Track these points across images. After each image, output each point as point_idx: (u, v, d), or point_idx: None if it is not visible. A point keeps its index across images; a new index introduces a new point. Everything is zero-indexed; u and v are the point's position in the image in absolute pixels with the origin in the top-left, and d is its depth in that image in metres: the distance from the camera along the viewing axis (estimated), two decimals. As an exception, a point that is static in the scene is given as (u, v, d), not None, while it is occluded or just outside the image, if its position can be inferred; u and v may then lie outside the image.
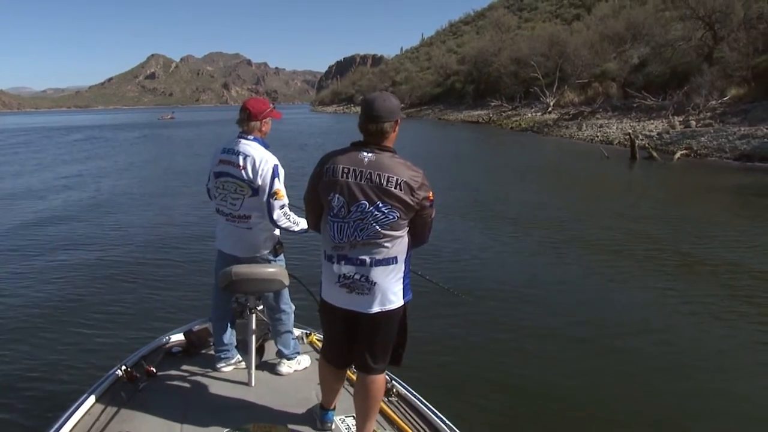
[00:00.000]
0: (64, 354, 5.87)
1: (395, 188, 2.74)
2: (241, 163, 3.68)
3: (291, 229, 3.77)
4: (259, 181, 3.65)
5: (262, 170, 3.65)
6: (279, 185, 3.67)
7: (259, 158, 3.67)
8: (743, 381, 5.38)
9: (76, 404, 3.32)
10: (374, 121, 2.81)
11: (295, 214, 3.77)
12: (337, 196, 2.80)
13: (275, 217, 3.68)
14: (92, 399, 3.40)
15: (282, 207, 3.69)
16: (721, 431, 4.69)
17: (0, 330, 6.55)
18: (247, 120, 3.77)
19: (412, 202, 2.77)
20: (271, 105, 3.91)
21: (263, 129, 3.82)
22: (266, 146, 3.81)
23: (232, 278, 3.55)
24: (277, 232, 3.85)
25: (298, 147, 32.52)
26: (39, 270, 9.00)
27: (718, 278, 8.24)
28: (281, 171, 3.73)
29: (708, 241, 10.22)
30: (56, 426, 3.09)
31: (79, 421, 3.21)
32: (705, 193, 15.39)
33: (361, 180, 2.76)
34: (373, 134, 2.83)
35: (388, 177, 2.74)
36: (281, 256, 3.93)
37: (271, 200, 3.65)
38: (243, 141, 3.75)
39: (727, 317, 6.82)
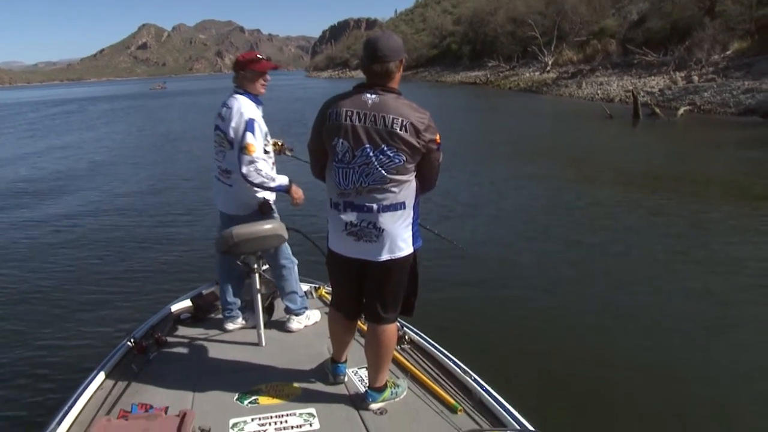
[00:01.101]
0: (73, 329, 5.80)
1: (401, 130, 2.61)
2: (223, 115, 3.67)
3: (266, 185, 3.64)
4: (232, 134, 3.60)
5: (236, 122, 3.58)
6: (251, 139, 3.54)
7: (236, 110, 3.61)
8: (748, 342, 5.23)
9: (88, 380, 3.26)
10: (379, 60, 2.67)
11: (272, 171, 3.65)
12: (341, 140, 2.68)
13: (244, 171, 3.55)
14: (103, 374, 3.34)
15: (251, 162, 3.53)
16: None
17: (6, 309, 6.44)
18: (234, 74, 3.76)
19: (418, 145, 2.65)
20: (260, 56, 3.77)
21: (250, 82, 3.72)
22: (258, 102, 3.74)
23: (233, 241, 3.44)
24: (261, 192, 3.74)
25: (293, 112, 32.16)
26: (41, 244, 8.90)
27: (729, 238, 7.98)
28: (258, 125, 3.61)
29: (717, 200, 10.02)
30: (69, 403, 3.02)
31: (91, 396, 3.15)
32: (713, 150, 15.01)
33: (365, 123, 2.64)
34: (378, 75, 2.69)
35: (393, 119, 2.62)
36: (274, 215, 3.84)
37: (240, 154, 3.54)
38: (233, 94, 3.73)
39: (732, 280, 6.58)
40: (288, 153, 4.30)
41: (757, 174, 11.74)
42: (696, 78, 25.76)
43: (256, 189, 3.69)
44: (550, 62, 44.09)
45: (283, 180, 3.69)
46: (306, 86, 72.06)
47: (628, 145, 16.83)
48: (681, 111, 21.46)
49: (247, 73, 3.70)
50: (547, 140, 18.00)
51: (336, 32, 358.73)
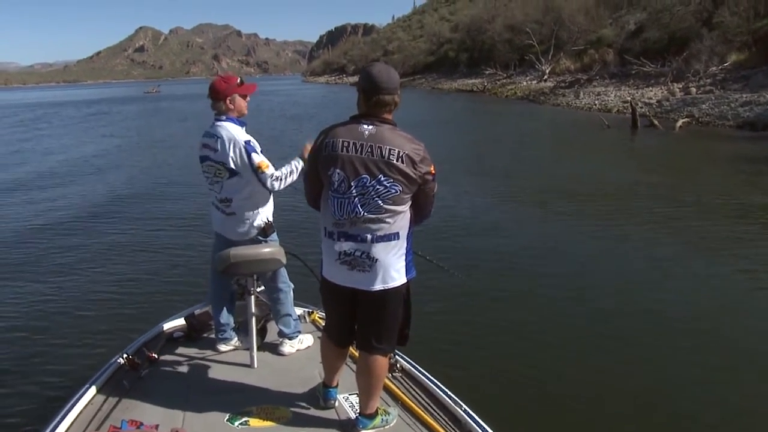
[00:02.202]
0: (64, 343, 5.75)
1: (397, 161, 2.67)
2: (214, 146, 3.67)
3: (292, 181, 3.72)
4: (232, 164, 3.61)
5: (234, 152, 3.60)
6: (259, 158, 3.61)
7: (228, 139, 3.62)
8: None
9: (78, 394, 3.26)
10: (390, 92, 2.72)
11: (281, 170, 3.70)
12: (337, 171, 2.72)
13: (271, 188, 3.67)
14: (94, 389, 3.36)
15: (272, 176, 3.63)
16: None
17: None
18: (213, 102, 3.73)
19: (414, 176, 2.70)
20: (239, 80, 3.79)
21: (232, 107, 3.72)
22: (242, 124, 3.76)
23: (230, 261, 3.50)
24: (263, 215, 3.78)
25: (290, 118, 32.10)
26: (34, 258, 8.70)
27: (731, 251, 7.91)
28: (256, 144, 3.67)
29: (718, 216, 9.88)
30: (58, 417, 3.02)
31: (81, 411, 3.16)
32: (715, 164, 14.88)
33: (362, 153, 2.68)
34: (385, 105, 2.73)
35: (390, 150, 2.67)
36: (273, 236, 3.86)
37: (259, 175, 3.60)
38: (216, 123, 3.71)
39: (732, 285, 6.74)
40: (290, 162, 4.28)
41: (755, 189, 11.63)
42: (694, 90, 25.73)
43: (259, 212, 3.75)
44: (547, 71, 44.04)
45: (297, 164, 3.70)
46: (304, 92, 72.20)
47: (628, 157, 16.73)
48: (679, 123, 21.35)
49: (235, 97, 3.71)
50: (546, 151, 17.91)
51: (333, 37, 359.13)
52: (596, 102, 30.54)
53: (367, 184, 2.68)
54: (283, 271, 3.91)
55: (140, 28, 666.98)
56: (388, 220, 2.73)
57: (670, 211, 10.10)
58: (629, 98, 26.71)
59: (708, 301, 6.40)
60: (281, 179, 3.65)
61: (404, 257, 2.85)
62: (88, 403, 3.24)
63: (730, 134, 19.64)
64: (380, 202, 2.69)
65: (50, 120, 40.39)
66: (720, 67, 26.81)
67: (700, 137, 19.68)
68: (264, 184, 3.62)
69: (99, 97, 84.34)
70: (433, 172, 2.79)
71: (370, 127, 2.71)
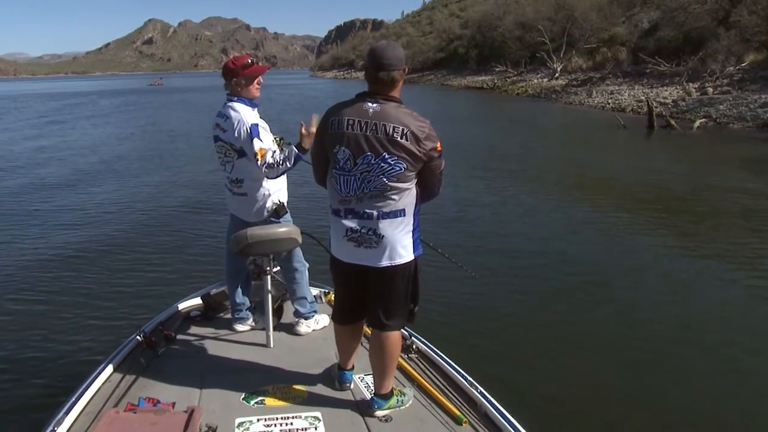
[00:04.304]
0: (82, 321, 5.86)
1: (401, 138, 2.66)
2: (224, 126, 3.68)
3: (286, 169, 3.64)
4: (238, 144, 3.63)
5: (239, 132, 3.59)
6: (259, 145, 3.57)
7: (236, 119, 3.62)
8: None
9: (96, 372, 3.30)
10: (385, 68, 2.71)
11: (275, 157, 3.59)
12: (342, 148, 2.74)
13: (267, 175, 3.63)
14: (111, 367, 3.39)
15: (266, 165, 3.57)
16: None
17: (17, 300, 6.48)
18: (225, 81, 3.74)
19: (419, 153, 2.70)
20: (251, 60, 3.78)
21: (239, 88, 3.71)
22: (253, 106, 3.74)
23: (247, 241, 3.51)
24: (274, 196, 3.79)
25: (305, 112, 31.82)
26: (54, 238, 8.84)
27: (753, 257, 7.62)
28: (261, 128, 3.63)
29: (742, 217, 9.49)
30: (77, 394, 3.05)
31: (99, 388, 3.20)
32: (738, 166, 14.36)
33: (366, 131, 2.69)
34: (383, 83, 2.73)
35: (394, 127, 2.67)
36: (286, 216, 3.87)
37: (256, 162, 3.57)
38: (227, 103, 3.72)
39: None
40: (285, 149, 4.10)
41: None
42: (710, 90, 25.24)
43: (270, 193, 3.75)
44: (558, 69, 43.56)
45: (292, 152, 3.60)
46: (314, 86, 72.44)
47: (646, 159, 16.21)
48: (697, 123, 20.81)
49: (241, 80, 3.68)
50: (561, 152, 17.47)
51: (342, 32, 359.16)
52: (609, 101, 30.03)
53: (372, 161, 2.69)
54: (299, 251, 3.93)
55: (149, 20, 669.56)
56: (393, 197, 2.74)
57: (692, 215, 9.80)
58: (643, 97, 26.22)
59: (714, 303, 6.31)
60: (275, 168, 3.58)
61: (411, 234, 2.85)
62: (106, 380, 3.27)
63: (750, 135, 19.11)
64: (385, 179, 2.70)
65: (70, 110, 40.26)
66: (737, 68, 26.32)
67: (720, 138, 19.17)
68: (260, 170, 3.60)
69: (107, 89, 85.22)
70: (439, 149, 2.79)
71: (375, 105, 2.71)
